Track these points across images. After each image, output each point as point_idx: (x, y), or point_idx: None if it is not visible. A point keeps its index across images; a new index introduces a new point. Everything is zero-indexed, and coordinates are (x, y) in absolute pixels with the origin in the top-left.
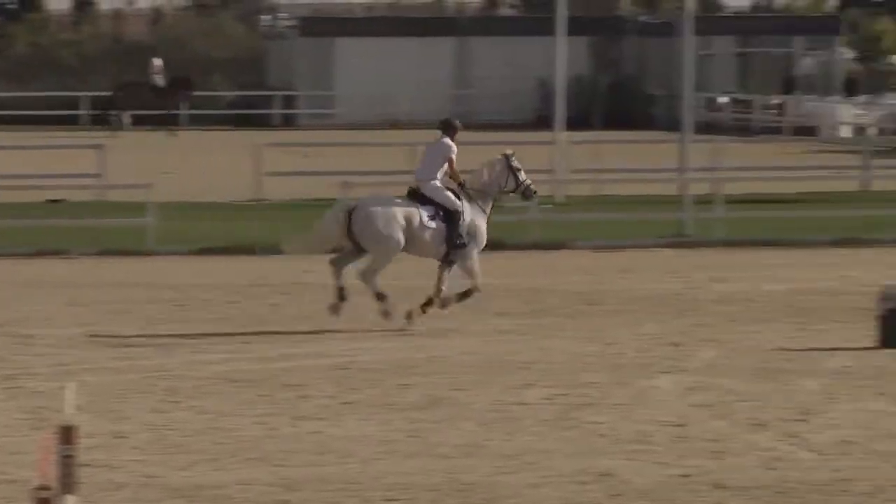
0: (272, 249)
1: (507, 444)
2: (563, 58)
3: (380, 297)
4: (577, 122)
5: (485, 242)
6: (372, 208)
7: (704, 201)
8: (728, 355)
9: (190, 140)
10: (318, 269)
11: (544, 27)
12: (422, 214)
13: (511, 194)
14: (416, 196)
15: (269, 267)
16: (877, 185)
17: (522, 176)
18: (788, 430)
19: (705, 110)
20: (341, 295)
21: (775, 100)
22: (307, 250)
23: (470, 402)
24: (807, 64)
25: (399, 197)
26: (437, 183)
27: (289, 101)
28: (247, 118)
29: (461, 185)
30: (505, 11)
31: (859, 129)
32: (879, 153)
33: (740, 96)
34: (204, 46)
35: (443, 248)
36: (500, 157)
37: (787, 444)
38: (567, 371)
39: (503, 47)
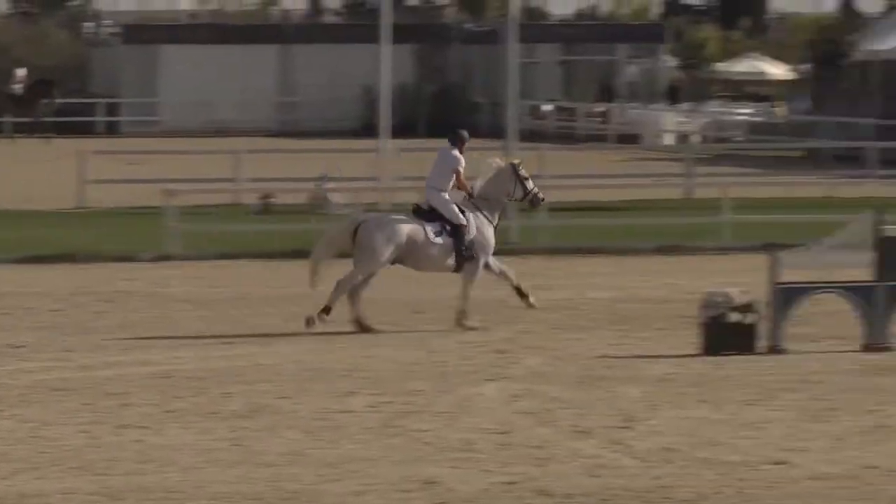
0: (95, 257)
1: (332, 452)
2: (387, 65)
3: (327, 310)
4: (401, 129)
5: (492, 250)
6: (378, 223)
7: (528, 209)
8: (552, 363)
9: (13, 148)
10: (138, 277)
11: (369, 34)
12: (427, 231)
13: (519, 202)
14: (421, 213)
15: (92, 275)
16: (699, 193)
17: (530, 185)
18: (612, 437)
19: (529, 118)
20: (359, 324)
21: (599, 108)
22: (318, 262)
23: (294, 410)
24: (630, 71)
25: (405, 215)
26: (445, 195)
27: (113, 109)
28: (70, 126)
29: (469, 195)
30: (329, 19)
31: (682, 137)
32: (702, 161)
33: (564, 104)
34: (27, 54)
35: (452, 262)
36: (507, 165)
37: (610, 451)
38: (392, 379)
39: (328, 55)
